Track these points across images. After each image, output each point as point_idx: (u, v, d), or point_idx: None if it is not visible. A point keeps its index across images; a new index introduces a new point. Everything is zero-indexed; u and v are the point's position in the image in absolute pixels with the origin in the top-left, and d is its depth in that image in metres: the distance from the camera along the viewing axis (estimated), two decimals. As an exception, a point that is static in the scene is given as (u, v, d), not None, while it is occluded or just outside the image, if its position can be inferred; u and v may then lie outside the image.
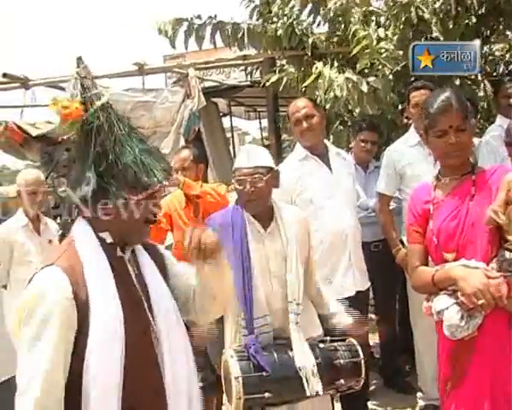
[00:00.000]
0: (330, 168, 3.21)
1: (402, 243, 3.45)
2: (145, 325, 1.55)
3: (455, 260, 2.04)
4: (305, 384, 2.24)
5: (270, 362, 2.25)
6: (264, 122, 9.42)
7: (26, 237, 3.83)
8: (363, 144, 4.02)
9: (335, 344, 2.42)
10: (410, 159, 3.38)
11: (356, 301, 3.04)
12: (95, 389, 1.40)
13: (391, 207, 3.63)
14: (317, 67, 3.84)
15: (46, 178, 3.95)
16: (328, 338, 2.44)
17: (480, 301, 1.88)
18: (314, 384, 2.25)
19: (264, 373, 2.22)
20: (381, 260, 3.66)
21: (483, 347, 1.98)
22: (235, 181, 2.43)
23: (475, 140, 3.05)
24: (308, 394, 2.25)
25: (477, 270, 1.95)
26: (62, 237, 1.62)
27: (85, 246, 1.53)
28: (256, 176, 2.37)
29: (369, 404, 3.58)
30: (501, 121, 3.49)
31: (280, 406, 2.34)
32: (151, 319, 1.56)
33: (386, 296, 3.97)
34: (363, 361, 2.38)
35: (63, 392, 1.41)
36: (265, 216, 2.47)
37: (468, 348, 1.99)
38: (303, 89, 3.93)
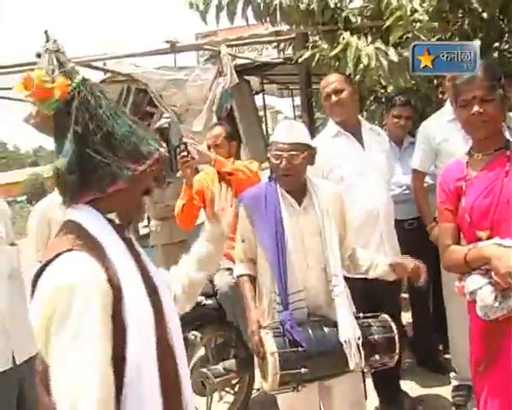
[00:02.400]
0: (363, 145, 3.16)
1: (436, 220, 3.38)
2: (161, 314, 1.44)
3: (488, 238, 1.99)
4: (350, 358, 2.24)
5: (306, 338, 2.24)
6: (297, 100, 9.35)
7: (63, 215, 3.89)
8: (396, 120, 3.94)
9: (369, 320, 2.41)
10: (446, 134, 3.28)
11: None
12: (141, 380, 1.29)
13: (425, 184, 3.56)
14: (343, 38, 3.76)
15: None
16: (362, 315, 2.43)
17: None
18: (357, 358, 2.25)
19: (299, 349, 2.22)
20: (416, 237, 3.59)
21: (517, 327, 1.94)
22: (271, 155, 2.42)
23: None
24: (352, 367, 2.24)
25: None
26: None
27: (100, 229, 1.39)
28: (293, 152, 2.36)
29: (402, 383, 3.56)
30: None
31: (315, 382, 2.34)
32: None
33: (420, 275, 3.91)
34: (397, 337, 2.36)
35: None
36: (299, 192, 2.45)
37: (501, 328, 1.95)
38: (334, 63, 3.85)
